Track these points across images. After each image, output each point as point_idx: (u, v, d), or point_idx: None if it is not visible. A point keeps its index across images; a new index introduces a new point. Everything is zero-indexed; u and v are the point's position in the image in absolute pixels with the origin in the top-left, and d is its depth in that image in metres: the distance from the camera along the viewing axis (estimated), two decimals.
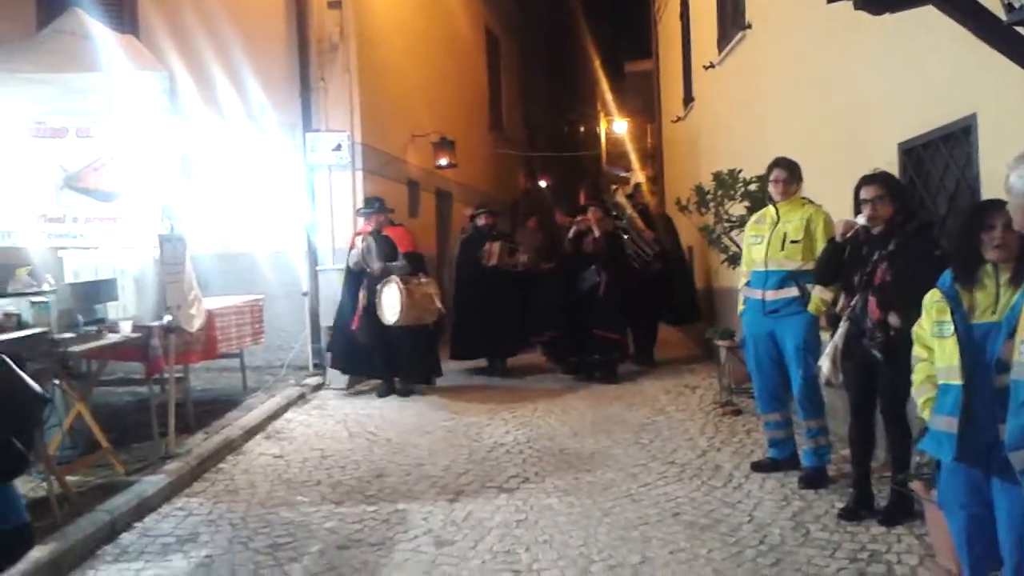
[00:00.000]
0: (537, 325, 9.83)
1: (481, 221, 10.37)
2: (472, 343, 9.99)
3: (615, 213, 10.74)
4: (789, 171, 5.64)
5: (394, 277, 8.48)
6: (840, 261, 4.85)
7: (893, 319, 4.44)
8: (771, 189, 5.70)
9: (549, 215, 14.07)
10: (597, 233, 9.54)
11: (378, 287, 8.50)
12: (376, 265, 8.65)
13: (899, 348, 4.41)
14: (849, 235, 4.76)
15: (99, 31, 6.61)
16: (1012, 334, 2.91)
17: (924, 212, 4.91)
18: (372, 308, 8.56)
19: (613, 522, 4.96)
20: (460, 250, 10.52)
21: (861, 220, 4.67)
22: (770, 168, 5.73)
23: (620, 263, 9.77)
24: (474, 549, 4.63)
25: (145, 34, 9.22)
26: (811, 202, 5.65)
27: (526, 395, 8.69)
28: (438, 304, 8.81)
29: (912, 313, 4.27)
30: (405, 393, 8.87)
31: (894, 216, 4.59)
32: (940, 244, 4.32)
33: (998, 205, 3.14)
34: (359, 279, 8.79)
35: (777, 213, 5.63)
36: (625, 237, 10.53)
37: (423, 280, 8.81)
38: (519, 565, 4.40)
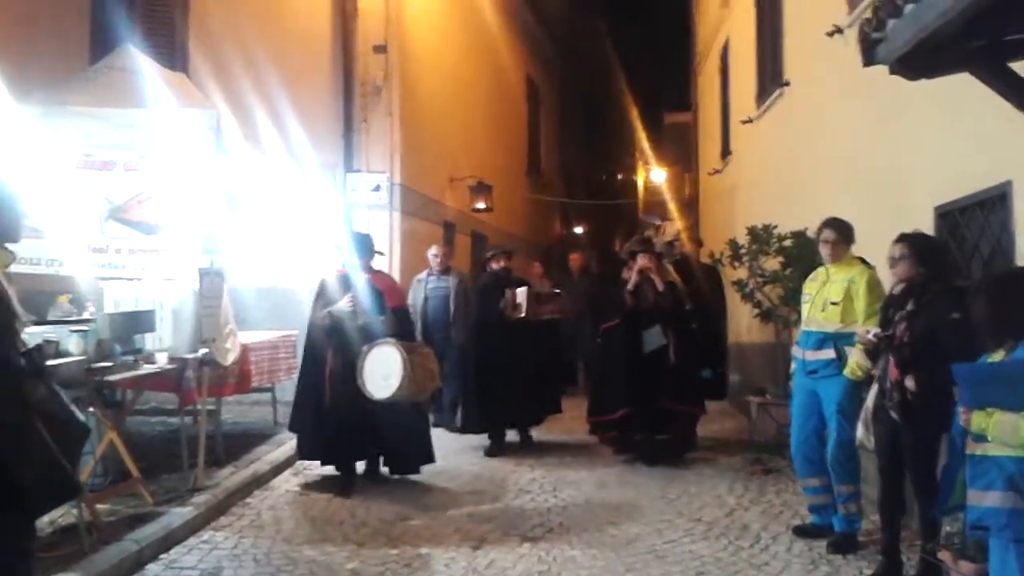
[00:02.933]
0: (604, 400, 7.99)
1: (497, 264, 8.74)
2: (494, 411, 8.30)
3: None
4: (839, 232, 5.53)
5: (390, 340, 6.53)
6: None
7: (909, 381, 4.43)
8: (821, 250, 5.60)
9: (589, 257, 13.70)
10: (660, 285, 7.87)
11: (364, 349, 6.50)
12: (363, 320, 6.72)
13: (918, 411, 4.39)
14: (870, 347, 4.83)
15: (149, 68, 6.81)
16: None
17: (955, 275, 4.88)
18: (346, 375, 6.58)
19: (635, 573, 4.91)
20: (476, 301, 8.85)
21: (872, 333, 4.81)
22: (820, 228, 5.62)
23: (688, 320, 8.20)
24: None
25: (195, 73, 9.45)
26: (863, 262, 5.53)
27: (552, 448, 8.66)
28: (438, 381, 7.11)
29: (929, 375, 4.28)
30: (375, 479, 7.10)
31: (916, 277, 4.60)
32: (961, 307, 4.30)
33: None
34: (330, 336, 6.82)
35: (828, 273, 5.57)
36: None
37: (423, 349, 6.98)
38: None
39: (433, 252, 9.45)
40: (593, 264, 15.90)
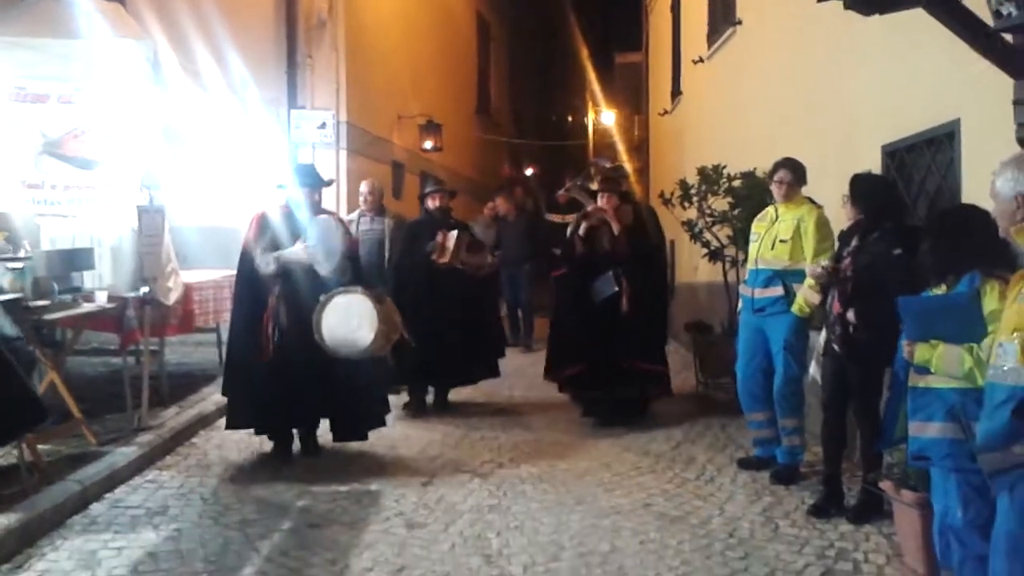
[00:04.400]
0: (558, 355, 7.30)
1: (433, 203, 7.63)
2: (410, 368, 7.03)
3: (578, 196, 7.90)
4: (794, 172, 5.57)
5: (357, 287, 5.69)
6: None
7: (850, 315, 4.52)
8: (773, 190, 5.64)
9: (535, 198, 13.18)
10: (616, 228, 6.99)
11: (323, 298, 5.58)
12: (328, 266, 5.77)
13: (861, 345, 4.49)
14: (822, 280, 4.87)
15: None
16: None
17: (901, 214, 4.94)
18: (294, 329, 5.68)
19: (585, 510, 4.97)
20: (402, 240, 7.82)
21: (822, 264, 4.88)
22: (774, 168, 5.66)
23: (649, 266, 7.25)
24: (445, 532, 4.64)
25: (131, 3, 9.08)
26: (811, 202, 5.60)
27: (503, 383, 8.67)
28: (402, 329, 5.93)
29: (871, 309, 4.37)
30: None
31: (858, 215, 4.70)
32: (904, 244, 4.36)
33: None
34: (273, 284, 5.78)
35: (776, 212, 5.63)
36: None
37: (387, 298, 5.94)
38: (489, 550, 4.41)
39: (365, 189, 8.43)
40: (530, 202, 15.42)
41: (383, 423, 6.15)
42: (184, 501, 5.08)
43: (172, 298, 6.54)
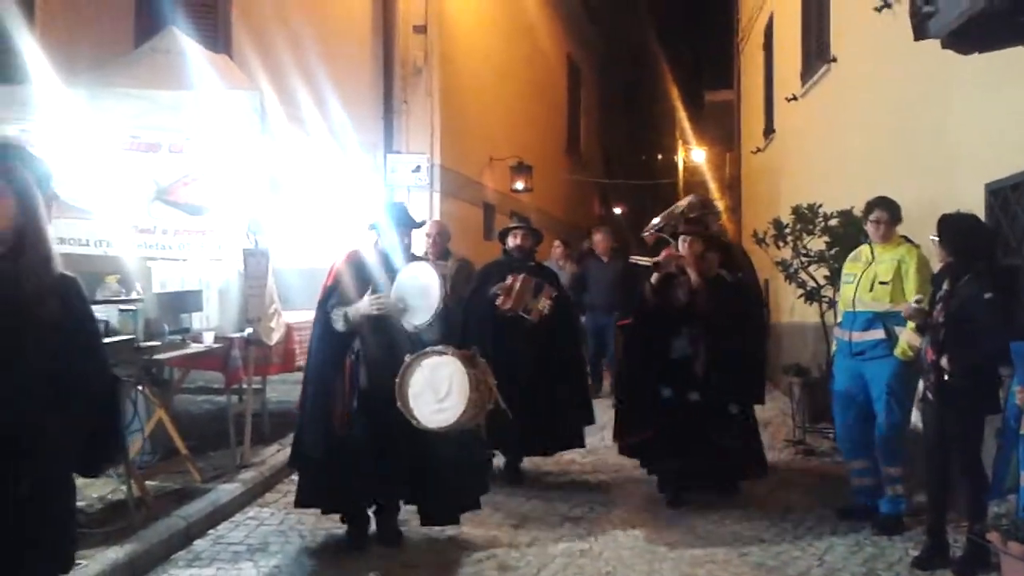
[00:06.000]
0: (622, 418, 6.26)
1: (514, 241, 6.53)
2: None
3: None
4: (889, 211, 5.45)
5: (446, 348, 4.74)
6: None
7: (944, 361, 4.39)
8: (870, 230, 5.52)
9: (622, 241, 11.73)
10: (696, 280, 5.92)
11: (408, 360, 4.72)
12: (422, 319, 4.86)
13: (956, 392, 4.34)
14: (917, 320, 4.79)
15: (193, 50, 6.88)
16: None
17: (994, 255, 4.79)
18: (372, 392, 4.88)
19: (678, 558, 4.90)
20: (475, 282, 6.80)
21: (914, 302, 4.81)
22: (869, 208, 5.54)
23: (734, 327, 5.90)
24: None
25: (238, 54, 9.52)
26: (908, 241, 5.47)
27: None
28: (497, 396, 4.88)
29: (964, 355, 4.22)
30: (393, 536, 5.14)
31: (948, 257, 4.61)
32: (995, 287, 4.23)
33: None
34: (345, 345, 4.99)
35: (872, 252, 5.51)
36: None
37: (480, 359, 4.86)
38: None
39: (434, 231, 7.42)
40: (628, 246, 15.18)
41: (478, 505, 5.24)
42: (284, 538, 5.20)
43: (275, 338, 6.75)
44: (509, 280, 6.26)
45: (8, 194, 2.58)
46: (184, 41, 6.97)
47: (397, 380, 4.66)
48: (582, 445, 6.70)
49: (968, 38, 3.94)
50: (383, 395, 4.73)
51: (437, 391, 4.65)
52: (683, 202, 6.86)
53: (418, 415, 4.66)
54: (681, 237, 6.07)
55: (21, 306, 2.51)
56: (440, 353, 4.70)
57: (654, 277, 5.98)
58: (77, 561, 4.03)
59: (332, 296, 5.02)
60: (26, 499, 2.50)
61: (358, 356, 4.94)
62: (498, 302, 6.22)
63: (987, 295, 4.22)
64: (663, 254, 6.16)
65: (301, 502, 5.14)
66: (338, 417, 4.88)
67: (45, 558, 2.64)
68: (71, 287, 2.67)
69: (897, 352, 5.17)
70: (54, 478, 2.63)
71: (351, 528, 5.11)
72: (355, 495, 5.00)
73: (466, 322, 6.40)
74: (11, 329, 2.50)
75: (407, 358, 4.70)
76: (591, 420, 6.71)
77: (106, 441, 2.90)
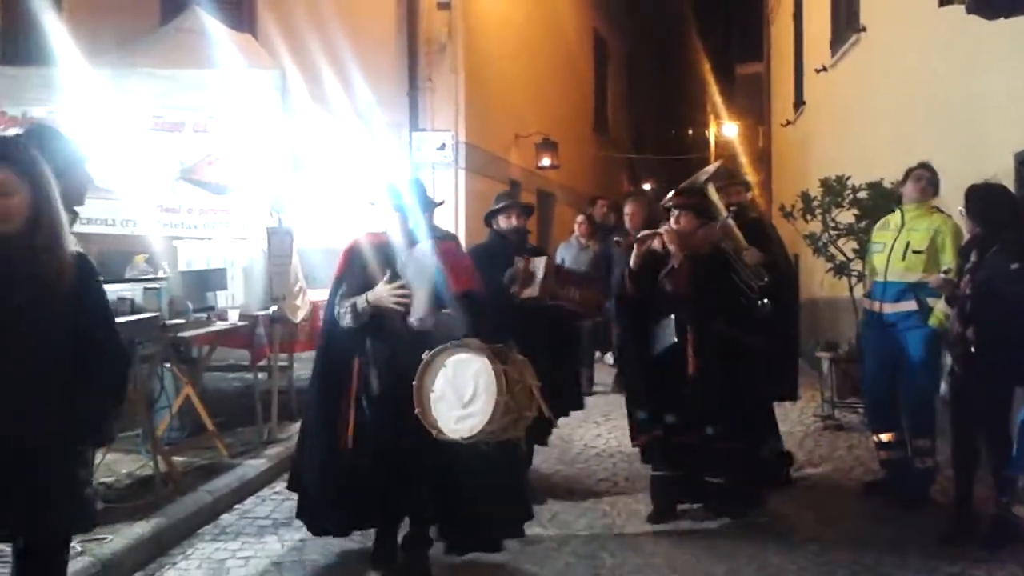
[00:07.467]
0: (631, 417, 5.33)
1: (507, 222, 5.46)
2: None
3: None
4: (932, 173, 5.35)
5: (471, 341, 3.91)
6: None
7: (970, 332, 4.34)
8: (908, 188, 5.38)
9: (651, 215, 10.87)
10: (676, 258, 5.01)
11: (426, 357, 3.90)
12: (417, 314, 4.12)
13: (983, 363, 4.27)
14: (946, 291, 4.69)
15: (217, 29, 6.90)
16: None
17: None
18: (385, 400, 4.09)
19: (701, 532, 4.88)
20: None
21: (943, 271, 4.73)
22: (913, 168, 5.42)
23: (727, 310, 5.03)
24: (558, 551, 4.63)
25: (261, 33, 9.54)
26: (940, 211, 5.31)
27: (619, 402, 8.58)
28: (540, 401, 3.95)
29: (990, 327, 4.15)
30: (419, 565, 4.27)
31: (976, 229, 4.54)
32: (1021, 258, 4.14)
33: None
34: (355, 343, 4.20)
35: (902, 219, 5.34)
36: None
37: (516, 354, 3.99)
38: (603, 570, 4.38)
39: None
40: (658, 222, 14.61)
41: (521, 533, 4.37)
42: None
43: (300, 316, 6.79)
44: (521, 264, 5.20)
45: (23, 187, 2.70)
46: (208, 20, 7.01)
47: (415, 383, 3.86)
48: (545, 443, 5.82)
49: (994, 2, 3.84)
50: (397, 404, 3.93)
51: (461, 394, 3.81)
52: (710, 167, 5.88)
53: (440, 424, 3.85)
54: (672, 211, 5.17)
55: (39, 279, 2.69)
56: (465, 348, 3.87)
57: (632, 258, 5.09)
58: (103, 536, 4.16)
59: (342, 285, 4.24)
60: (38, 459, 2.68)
61: (368, 359, 4.16)
62: (514, 289, 5.19)
63: (1014, 266, 4.14)
64: (670, 224, 5.14)
65: (312, 529, 4.42)
66: (341, 434, 4.13)
67: (58, 510, 2.77)
68: (84, 264, 2.82)
69: (932, 322, 5.02)
70: (63, 439, 2.76)
71: (375, 549, 4.36)
72: (362, 521, 4.33)
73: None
74: (32, 301, 2.68)
75: (425, 355, 3.89)
76: (567, 414, 5.80)
77: (111, 409, 3.01)
